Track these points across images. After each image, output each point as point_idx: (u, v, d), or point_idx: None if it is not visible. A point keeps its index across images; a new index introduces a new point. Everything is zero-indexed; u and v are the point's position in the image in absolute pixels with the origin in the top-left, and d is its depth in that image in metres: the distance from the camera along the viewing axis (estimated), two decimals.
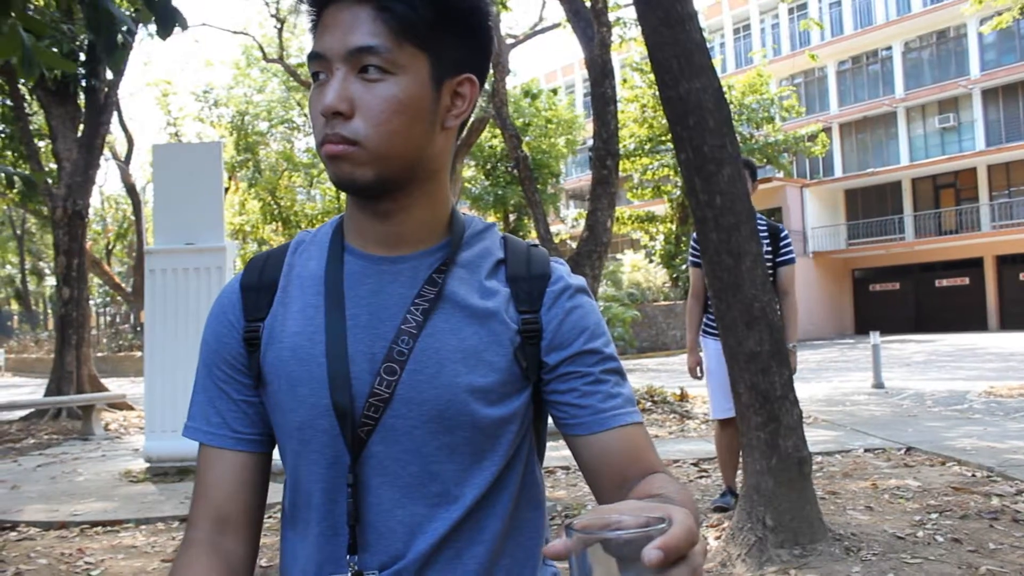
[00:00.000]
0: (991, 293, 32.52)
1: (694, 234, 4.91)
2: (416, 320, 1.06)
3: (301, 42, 26.35)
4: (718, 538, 4.38)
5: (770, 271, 5.00)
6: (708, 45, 4.56)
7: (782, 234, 5.17)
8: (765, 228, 5.07)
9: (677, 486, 1.02)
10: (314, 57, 1.03)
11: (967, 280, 33.27)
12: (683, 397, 11.06)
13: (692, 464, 6.92)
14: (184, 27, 3.30)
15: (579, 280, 1.17)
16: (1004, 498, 5.18)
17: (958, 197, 34.45)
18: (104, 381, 14.67)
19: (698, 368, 5.33)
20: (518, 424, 1.11)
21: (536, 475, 1.19)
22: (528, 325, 1.10)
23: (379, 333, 1.06)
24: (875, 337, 12.93)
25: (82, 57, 12.27)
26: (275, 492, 1.10)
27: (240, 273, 1.18)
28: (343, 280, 1.10)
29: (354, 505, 1.05)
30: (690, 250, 5.26)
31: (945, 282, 34.21)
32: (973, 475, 5.96)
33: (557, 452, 5.04)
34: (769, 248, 5.01)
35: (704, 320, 5.28)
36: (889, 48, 35.99)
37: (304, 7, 1.07)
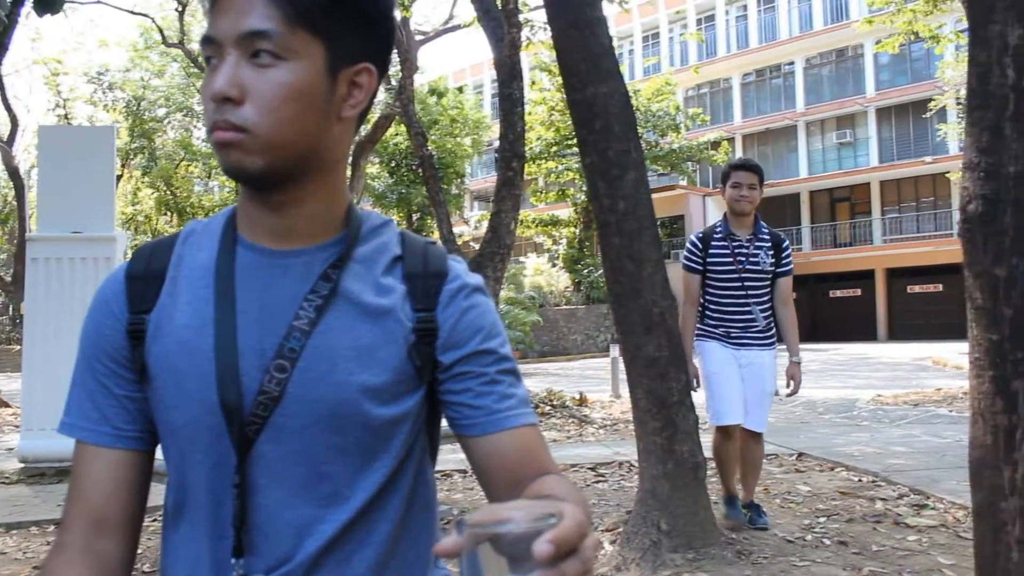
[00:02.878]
0: (881, 305, 33.92)
1: (691, 237, 5.00)
2: (309, 317, 1.03)
3: (203, 26, 25.60)
4: (613, 542, 4.41)
5: (770, 281, 4.89)
6: (617, 52, 4.61)
7: (784, 244, 4.98)
8: (768, 237, 4.91)
9: (570, 487, 1.02)
10: (207, 41, 1.00)
11: (859, 292, 34.62)
12: (582, 402, 11.16)
13: (589, 468, 6.97)
14: (57, 10, 3.16)
15: (476, 279, 1.15)
16: (887, 502, 5.39)
17: (853, 211, 35.89)
18: None
19: (695, 380, 4.82)
20: (411, 424, 1.09)
21: (428, 477, 1.17)
22: (423, 324, 1.08)
23: (270, 328, 1.03)
24: None
25: None
26: (158, 493, 1.04)
27: (126, 262, 1.14)
28: (234, 273, 1.06)
29: (240, 506, 1.02)
30: (685, 252, 5.01)
31: (839, 293, 35.54)
32: (860, 480, 6.18)
33: (455, 455, 5.00)
34: (772, 259, 4.85)
35: (701, 330, 4.95)
36: (792, 63, 37.21)
37: None
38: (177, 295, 1.07)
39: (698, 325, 4.93)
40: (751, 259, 4.78)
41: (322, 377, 1.02)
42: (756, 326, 4.79)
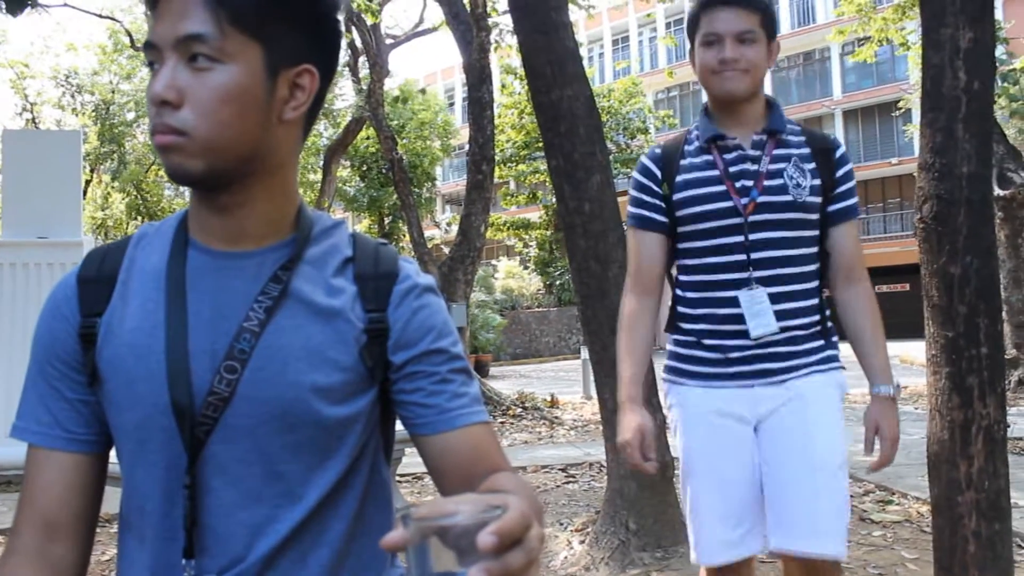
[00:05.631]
0: None
1: (642, 157, 2.37)
2: (259, 318, 1.04)
3: None
4: (582, 542, 4.43)
5: (814, 230, 2.29)
6: (587, 55, 4.64)
7: (837, 151, 2.32)
8: (803, 139, 2.30)
9: (520, 483, 1.03)
10: (148, 46, 1.01)
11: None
12: (553, 403, 11.18)
13: (560, 469, 6.99)
14: (33, 5, 3.15)
15: (427, 279, 1.16)
16: (853, 498, 5.44)
17: None
18: None
19: (640, 442, 2.23)
20: (363, 423, 1.10)
21: (383, 476, 1.18)
22: (374, 324, 1.09)
23: (221, 330, 1.04)
24: None
25: None
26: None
27: (78, 266, 1.14)
28: (185, 275, 1.07)
29: (191, 507, 1.02)
30: (631, 188, 2.37)
31: None
32: None
33: None
34: (818, 181, 2.26)
35: (673, 349, 2.38)
36: None
37: None
38: (128, 298, 1.08)
39: (670, 343, 2.39)
40: (766, 182, 2.22)
41: (273, 377, 1.02)
42: (769, 333, 2.21)
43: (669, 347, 2.39)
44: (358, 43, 14.11)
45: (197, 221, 1.10)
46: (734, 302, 2.21)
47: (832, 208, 2.30)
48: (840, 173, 2.30)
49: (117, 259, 1.11)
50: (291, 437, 1.04)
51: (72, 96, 29.55)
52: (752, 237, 2.19)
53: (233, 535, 1.03)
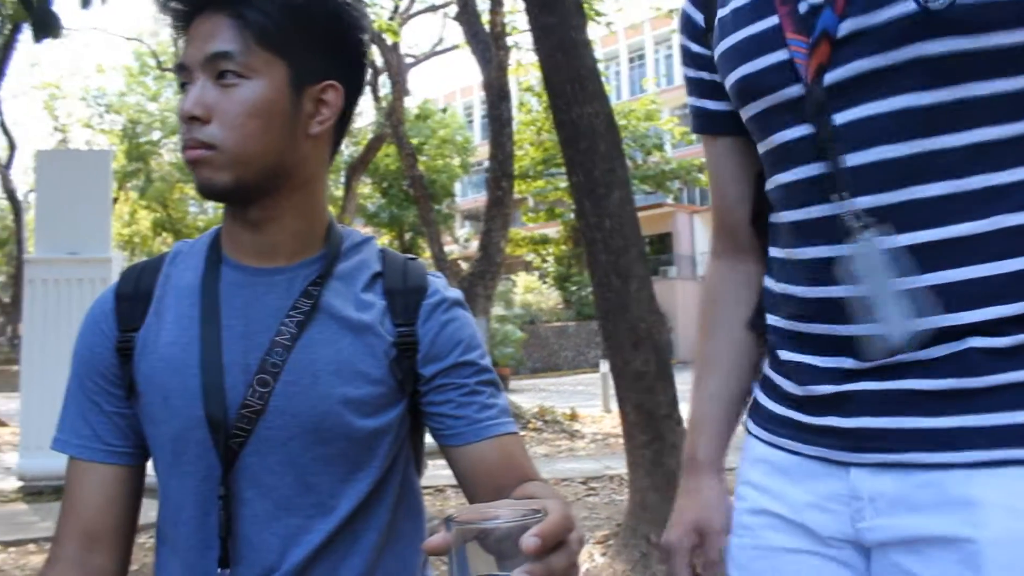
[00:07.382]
0: None
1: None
2: (290, 332, 1.06)
3: None
4: (604, 554, 4.44)
5: (1016, 62, 0.82)
6: (604, 73, 4.67)
7: None
8: None
9: (552, 491, 1.04)
10: (179, 68, 1.05)
11: None
12: (573, 417, 11.16)
13: (580, 483, 6.98)
14: (56, 36, 3.19)
15: (455, 293, 1.18)
16: None
17: None
18: None
19: (691, 550, 1.20)
20: (394, 435, 1.12)
21: (414, 486, 1.20)
22: (404, 338, 1.11)
23: (254, 344, 1.06)
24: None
25: None
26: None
27: (115, 283, 1.16)
28: (219, 291, 1.09)
29: (226, 517, 1.04)
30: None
31: None
32: None
33: (447, 471, 5.02)
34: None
35: (765, 380, 1.10)
36: None
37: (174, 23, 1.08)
38: (164, 313, 1.10)
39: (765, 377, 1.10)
40: None
41: (305, 391, 1.05)
42: (906, 339, 0.86)
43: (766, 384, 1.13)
44: (379, 62, 14.22)
45: (229, 238, 1.13)
46: (823, 273, 0.95)
47: None
48: None
49: (153, 276, 1.14)
50: (322, 449, 1.06)
51: (101, 116, 29.98)
52: (838, 120, 0.91)
53: (267, 545, 1.05)
